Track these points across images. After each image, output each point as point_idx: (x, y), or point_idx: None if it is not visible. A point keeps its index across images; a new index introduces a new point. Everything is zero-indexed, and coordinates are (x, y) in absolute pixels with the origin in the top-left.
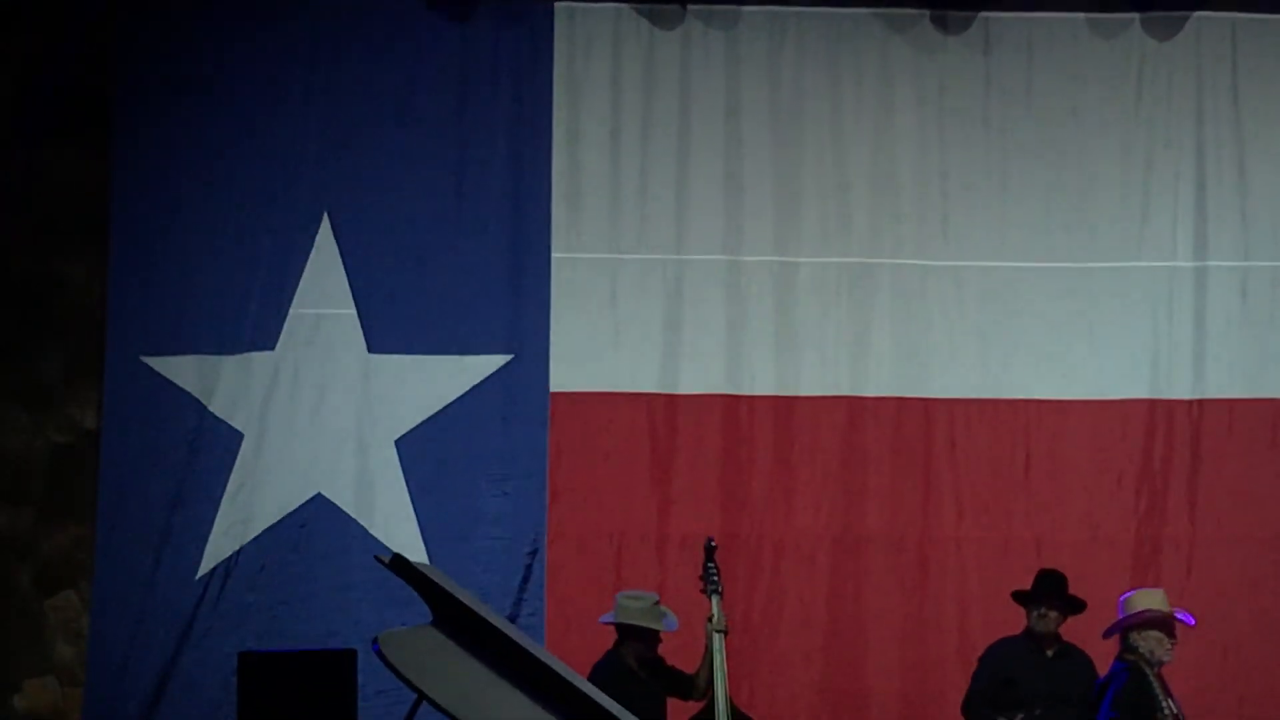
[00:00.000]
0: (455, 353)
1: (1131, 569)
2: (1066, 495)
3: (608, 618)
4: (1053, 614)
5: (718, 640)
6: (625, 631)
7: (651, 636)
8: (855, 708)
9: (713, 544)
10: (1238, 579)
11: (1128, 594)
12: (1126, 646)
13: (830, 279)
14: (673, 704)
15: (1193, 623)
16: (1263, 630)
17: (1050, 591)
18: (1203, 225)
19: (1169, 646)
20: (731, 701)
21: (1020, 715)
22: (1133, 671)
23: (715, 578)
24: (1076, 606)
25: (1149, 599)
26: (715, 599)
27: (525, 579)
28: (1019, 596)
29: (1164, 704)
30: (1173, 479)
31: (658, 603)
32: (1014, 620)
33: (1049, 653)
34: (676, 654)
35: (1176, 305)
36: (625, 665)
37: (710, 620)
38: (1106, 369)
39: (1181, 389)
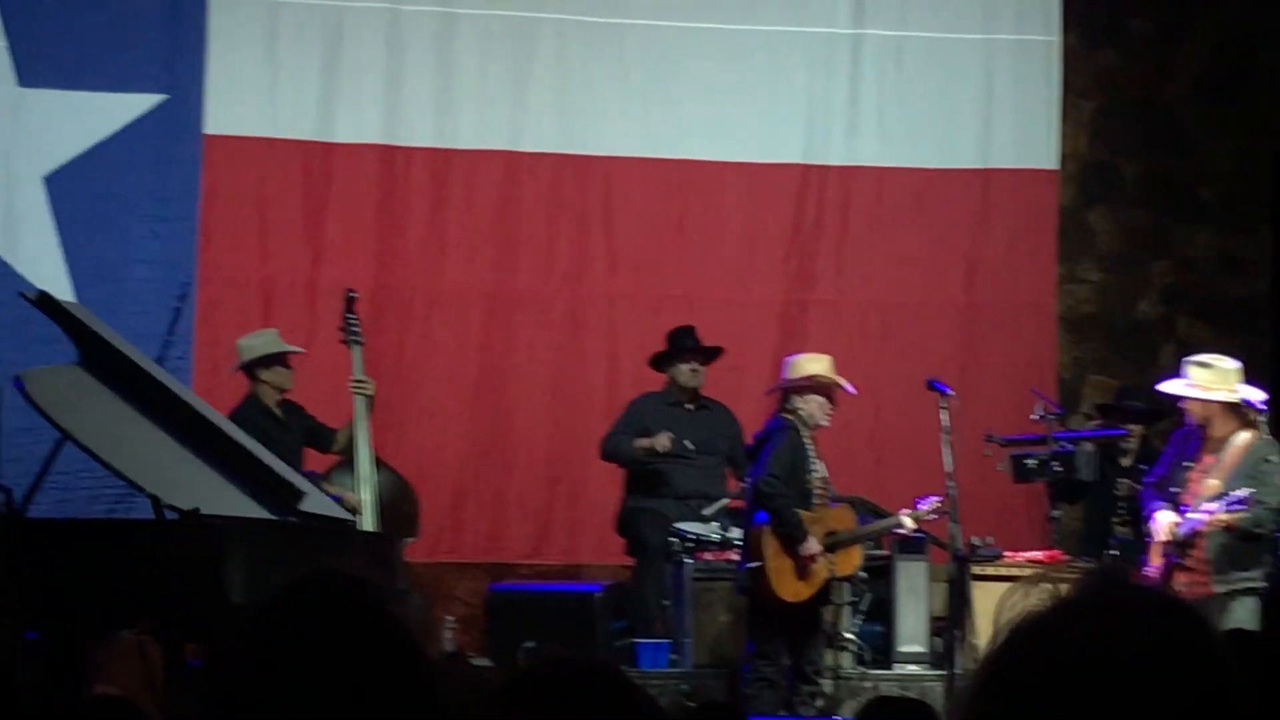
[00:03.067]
0: (109, 90)
1: (779, 329)
2: (719, 256)
3: (234, 368)
4: (702, 368)
5: (360, 403)
6: (256, 368)
7: (281, 360)
8: (503, 459)
9: (353, 295)
10: (881, 342)
11: (793, 356)
12: (786, 407)
13: (493, 31)
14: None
15: (854, 391)
16: (900, 390)
17: (690, 346)
18: None
19: (828, 412)
20: (376, 457)
21: (670, 435)
22: (789, 431)
23: (356, 328)
24: (713, 353)
25: (816, 364)
26: (356, 349)
27: (174, 321)
28: (657, 360)
29: (814, 465)
30: (822, 243)
31: (278, 335)
32: (663, 378)
33: (689, 406)
34: (317, 407)
35: (833, 72)
36: (263, 406)
37: (351, 380)
38: (761, 132)
39: (835, 155)
